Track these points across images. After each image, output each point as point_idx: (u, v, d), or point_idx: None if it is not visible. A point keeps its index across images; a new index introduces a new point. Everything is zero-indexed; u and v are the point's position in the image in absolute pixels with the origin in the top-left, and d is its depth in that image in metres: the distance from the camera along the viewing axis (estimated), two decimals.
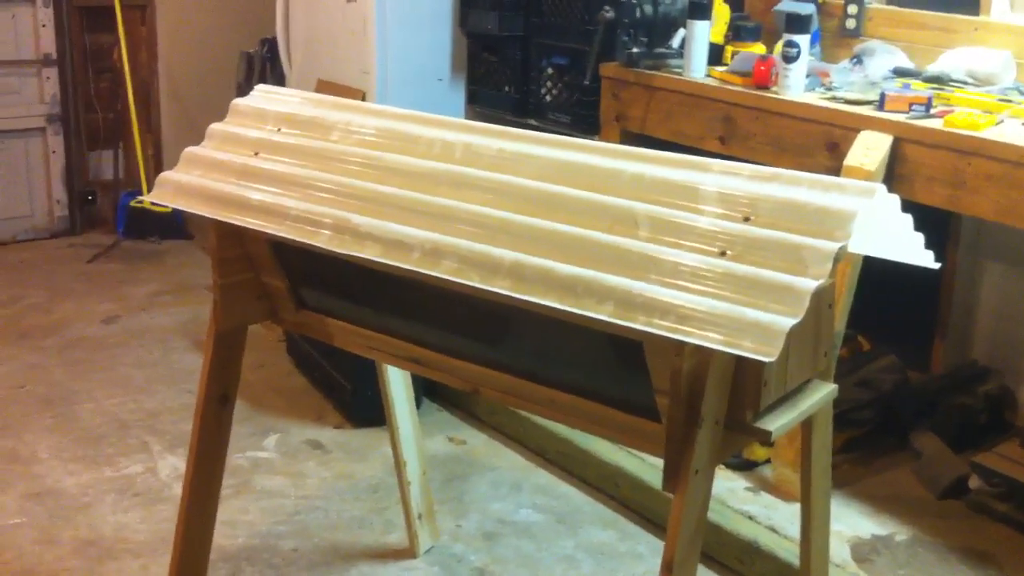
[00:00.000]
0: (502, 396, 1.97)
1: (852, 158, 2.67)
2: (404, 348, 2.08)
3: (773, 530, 2.76)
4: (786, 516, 2.84)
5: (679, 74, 3.21)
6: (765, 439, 1.67)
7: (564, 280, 1.63)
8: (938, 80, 2.92)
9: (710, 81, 3.14)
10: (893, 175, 2.65)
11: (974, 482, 2.86)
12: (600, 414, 1.82)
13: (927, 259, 1.76)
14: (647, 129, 3.32)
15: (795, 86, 2.92)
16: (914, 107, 2.69)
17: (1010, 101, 2.73)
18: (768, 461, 2.97)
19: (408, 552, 2.80)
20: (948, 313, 3.31)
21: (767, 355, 1.45)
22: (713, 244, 1.61)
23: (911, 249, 1.75)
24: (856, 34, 3.32)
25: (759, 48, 3.25)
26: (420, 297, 2.00)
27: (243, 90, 4.90)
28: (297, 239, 1.91)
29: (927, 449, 3.00)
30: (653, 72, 3.26)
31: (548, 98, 3.81)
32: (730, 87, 3.06)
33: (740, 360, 1.59)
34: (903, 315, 3.36)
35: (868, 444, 3.13)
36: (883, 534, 2.79)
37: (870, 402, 3.14)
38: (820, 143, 2.83)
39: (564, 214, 1.74)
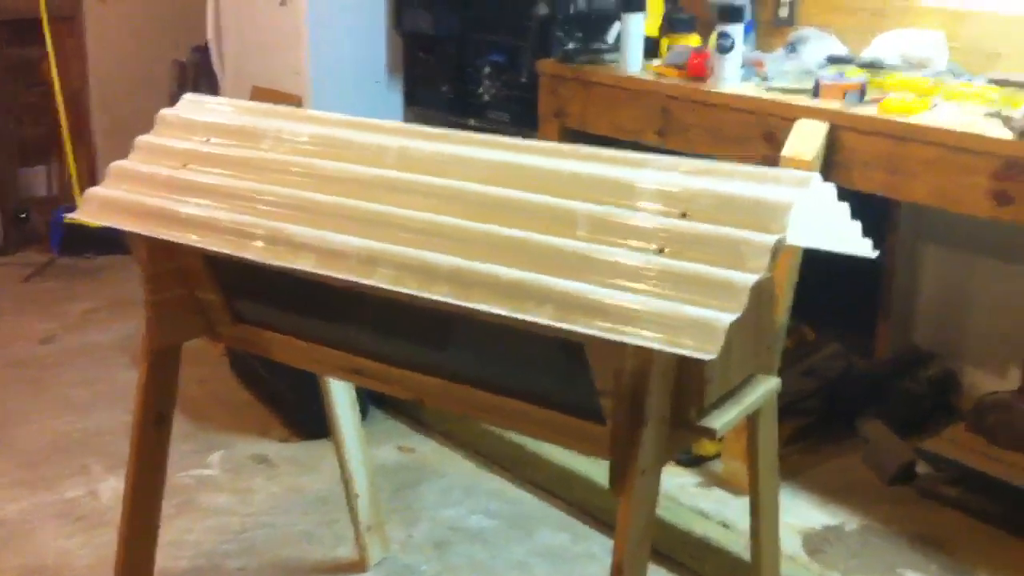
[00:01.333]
0: (447, 404, 1.94)
1: (789, 148, 2.67)
2: (345, 359, 2.04)
3: (725, 525, 2.75)
4: (737, 510, 2.82)
5: (615, 68, 3.19)
6: (710, 436, 1.65)
7: (503, 284, 1.60)
8: (872, 65, 2.93)
9: (646, 75, 3.12)
10: (831, 163, 2.65)
11: (922, 467, 2.87)
12: (545, 418, 1.79)
13: (865, 248, 1.75)
14: (586, 125, 3.30)
15: (730, 77, 2.92)
16: (848, 94, 2.69)
17: (944, 84, 2.74)
18: (718, 456, 2.97)
19: (359, 565, 2.76)
20: (890, 299, 3.33)
21: (708, 353, 1.43)
22: (652, 242, 1.59)
23: (849, 238, 1.74)
24: (790, 22, 3.33)
25: (694, 40, 3.24)
26: (359, 306, 1.96)
27: (176, 99, 4.82)
28: (229, 252, 1.86)
29: (874, 436, 3.01)
30: (589, 67, 3.24)
31: (486, 97, 3.78)
32: (666, 80, 3.05)
33: (683, 358, 1.57)
34: (846, 302, 3.37)
35: (816, 433, 3.14)
36: (834, 524, 2.79)
37: (816, 391, 3.15)
38: (757, 133, 2.82)
39: (502, 216, 1.71)
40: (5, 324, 4.35)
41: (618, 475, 1.62)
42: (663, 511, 2.79)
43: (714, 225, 1.57)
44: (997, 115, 2.48)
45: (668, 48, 3.20)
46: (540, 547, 2.85)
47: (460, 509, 3.02)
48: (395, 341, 1.98)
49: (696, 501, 2.87)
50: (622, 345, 1.53)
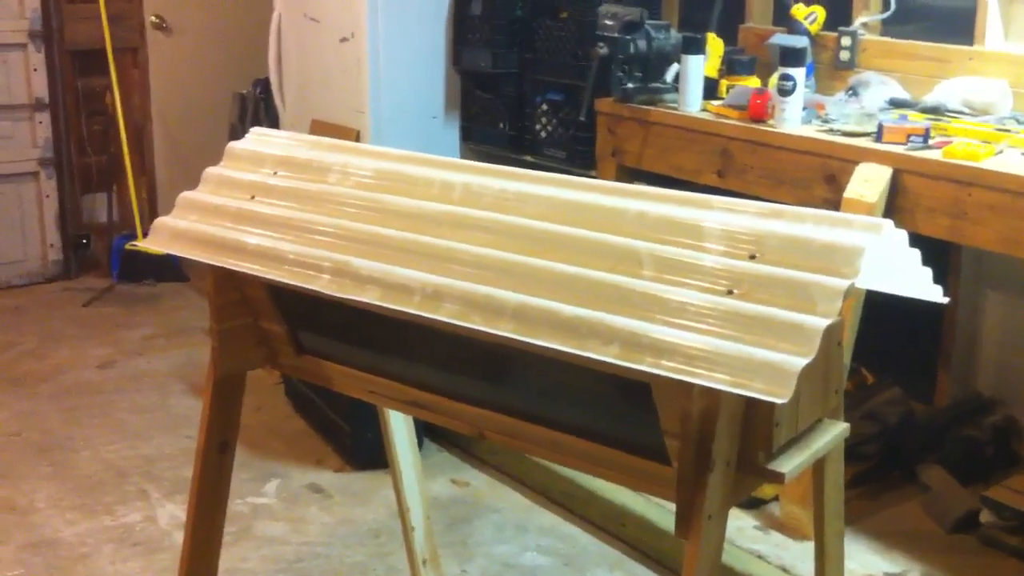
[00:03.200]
0: (507, 440, 1.93)
1: (851, 190, 2.66)
2: (405, 392, 2.05)
3: (784, 570, 2.73)
4: (796, 554, 2.80)
5: (675, 108, 3.20)
6: (779, 481, 1.63)
7: (569, 322, 1.60)
8: (934, 111, 2.92)
9: (706, 115, 3.13)
10: (893, 207, 2.64)
11: (985, 516, 2.82)
12: (607, 457, 1.78)
13: (936, 294, 1.73)
14: (644, 164, 3.31)
15: (792, 119, 2.91)
16: (912, 138, 2.68)
17: (1008, 131, 2.72)
18: (776, 499, 2.94)
19: None
20: (951, 344, 3.29)
21: (779, 396, 1.42)
22: (719, 283, 1.59)
23: (919, 284, 1.72)
24: (850, 66, 3.32)
25: (754, 81, 3.24)
26: (421, 339, 1.96)
27: (236, 131, 4.89)
28: (296, 284, 1.88)
29: (935, 483, 2.97)
30: (648, 107, 3.25)
31: (543, 134, 3.80)
32: (726, 121, 3.05)
33: (751, 401, 1.56)
34: (906, 347, 3.34)
35: (875, 478, 3.10)
36: (895, 571, 2.76)
37: (876, 435, 3.11)
38: (818, 176, 2.81)
39: (567, 254, 1.71)
40: (65, 348, 4.42)
41: (684, 519, 1.60)
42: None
43: (784, 268, 1.56)
44: None
45: (728, 89, 3.20)
46: None
47: (513, 546, 3.01)
48: (456, 375, 1.98)
49: (754, 544, 2.84)
50: (689, 386, 1.52)
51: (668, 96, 3.30)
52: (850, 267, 1.53)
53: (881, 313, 3.34)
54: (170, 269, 5.15)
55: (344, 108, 3.99)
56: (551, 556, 2.96)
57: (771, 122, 2.96)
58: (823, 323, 1.47)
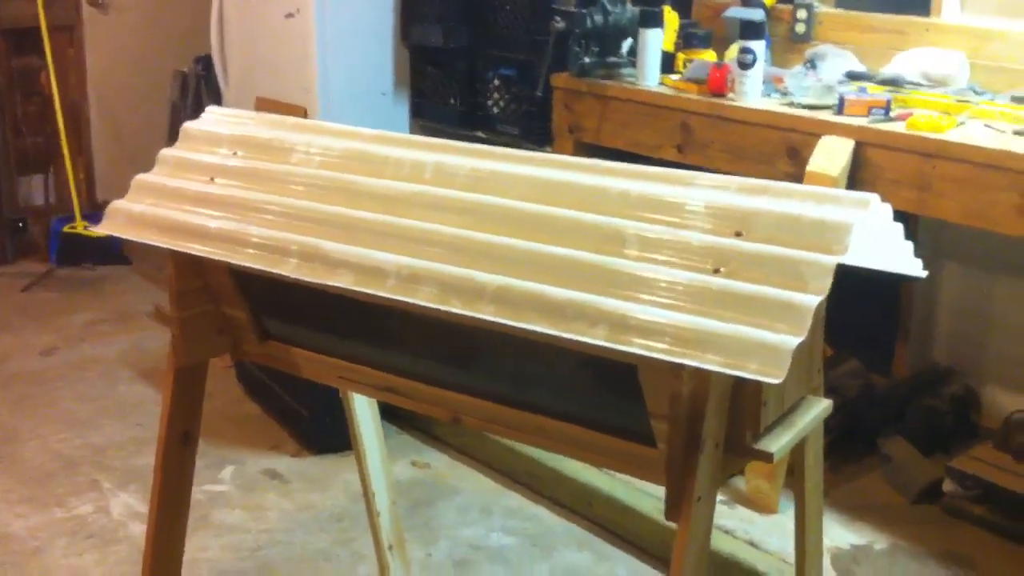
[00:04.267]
0: (484, 424, 1.89)
1: (814, 164, 2.65)
2: (378, 377, 1.99)
3: (752, 544, 2.72)
4: (763, 529, 2.80)
5: (633, 83, 3.17)
6: (767, 460, 1.62)
7: (553, 304, 1.56)
8: (892, 83, 2.91)
9: (664, 89, 3.10)
10: (856, 180, 2.63)
11: (947, 486, 2.84)
12: (590, 440, 1.75)
13: (916, 268, 1.73)
14: (602, 140, 3.28)
15: (752, 92, 2.89)
16: (874, 111, 2.67)
17: (968, 102, 2.72)
18: (742, 473, 2.93)
19: None
20: (909, 316, 3.31)
21: (773, 376, 1.40)
22: (706, 261, 1.56)
23: (900, 258, 1.71)
24: (806, 39, 3.31)
25: (710, 55, 3.22)
26: (394, 323, 1.92)
27: (178, 110, 4.77)
28: (263, 268, 1.82)
29: (897, 454, 2.98)
30: (606, 82, 3.21)
31: (496, 110, 3.75)
32: (685, 95, 3.02)
33: (739, 381, 1.53)
34: (864, 319, 3.34)
35: (836, 452, 3.10)
36: (861, 543, 2.77)
37: (836, 408, 3.10)
38: (780, 149, 2.80)
39: (548, 235, 1.67)
40: (5, 336, 4.29)
41: (673, 502, 1.58)
42: None
43: (772, 245, 1.54)
44: None
45: (685, 63, 3.17)
46: (562, 566, 2.81)
47: (479, 527, 2.98)
48: (431, 359, 1.94)
49: (721, 519, 2.83)
50: (678, 368, 1.49)
51: (625, 71, 3.26)
52: (839, 243, 1.51)
53: (839, 286, 3.36)
54: (111, 252, 5.02)
55: (290, 86, 3.91)
56: (517, 536, 2.94)
57: (731, 96, 2.93)
58: (814, 301, 1.45)
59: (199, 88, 4.76)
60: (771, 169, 2.82)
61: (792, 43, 3.35)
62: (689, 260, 1.57)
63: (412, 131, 4.02)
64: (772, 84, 2.98)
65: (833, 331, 3.36)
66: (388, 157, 1.93)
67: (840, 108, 2.73)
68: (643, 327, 1.50)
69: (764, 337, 1.43)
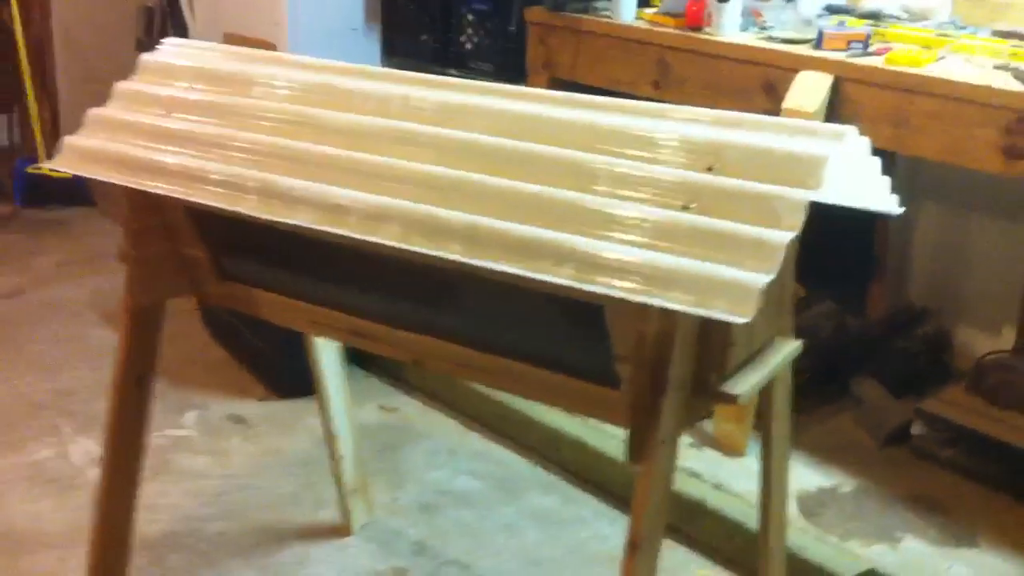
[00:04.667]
0: (450, 368, 1.85)
1: (791, 100, 2.59)
2: (341, 320, 1.94)
3: (719, 487, 2.70)
4: (731, 471, 2.78)
5: (608, 17, 3.09)
6: (732, 403, 1.57)
7: (519, 242, 1.51)
8: (873, 16, 2.85)
9: (640, 24, 3.02)
10: (834, 116, 2.58)
11: (916, 428, 2.82)
12: (557, 383, 1.71)
13: (892, 205, 1.68)
14: (577, 75, 3.20)
15: (730, 26, 2.83)
16: (852, 45, 2.61)
17: (948, 35, 2.66)
18: (710, 416, 2.90)
19: (343, 529, 2.67)
20: (884, 256, 3.27)
21: (742, 315, 1.35)
22: (676, 197, 1.50)
23: (877, 194, 1.66)
24: None
25: None
26: (357, 264, 1.85)
27: (144, 46, 4.64)
28: (220, 206, 1.76)
29: (868, 396, 2.96)
30: (581, 16, 3.13)
31: (469, 46, 3.66)
32: (662, 29, 2.95)
33: (706, 321, 1.48)
34: (838, 259, 3.30)
35: (808, 393, 3.05)
36: (829, 486, 2.75)
37: (809, 350, 3.07)
38: (757, 85, 2.74)
39: (515, 170, 1.61)
40: None
41: (637, 445, 1.54)
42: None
43: (743, 180, 1.49)
44: (1006, 68, 2.41)
45: None
46: (529, 510, 2.78)
47: (446, 471, 2.95)
48: (396, 301, 1.88)
49: (688, 461, 2.81)
50: (644, 308, 1.44)
51: (601, 4, 3.18)
52: (813, 178, 1.46)
53: (813, 224, 3.31)
54: (77, 194, 4.90)
55: (259, 20, 3.80)
56: (484, 480, 2.90)
57: (708, 30, 2.86)
58: (787, 237, 1.40)
59: (165, 24, 4.64)
60: (749, 105, 2.75)
61: None
62: (659, 196, 1.51)
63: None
64: (751, 18, 2.91)
65: (807, 271, 3.34)
66: (354, 90, 1.86)
67: (819, 42, 2.66)
68: (610, 266, 1.45)
69: (733, 275, 1.39)
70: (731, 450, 2.85)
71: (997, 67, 2.43)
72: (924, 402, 2.84)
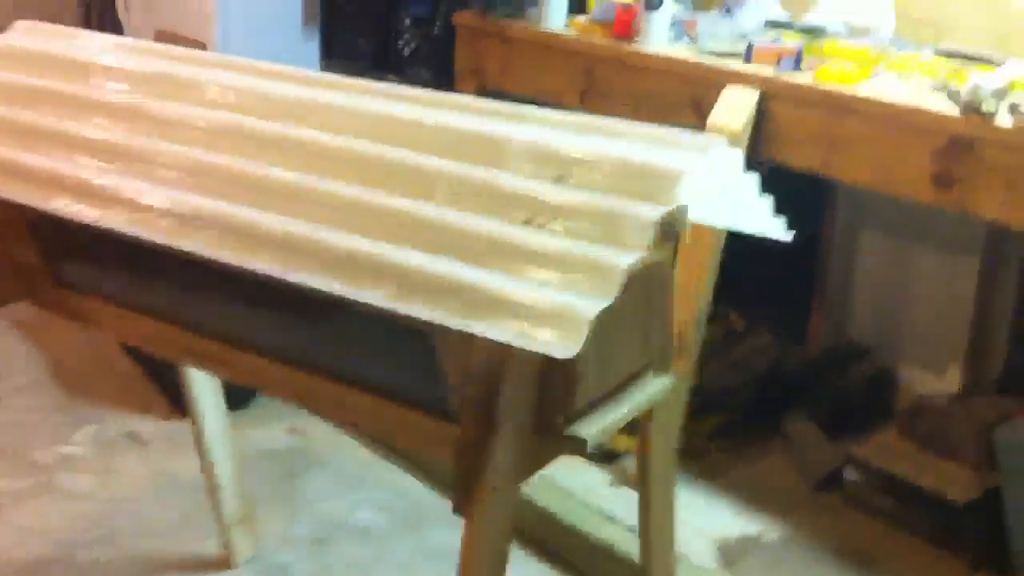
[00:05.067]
0: (288, 395, 1.65)
1: (716, 116, 2.40)
2: (178, 336, 1.75)
3: (634, 531, 2.49)
4: None
5: (537, 24, 2.91)
6: (580, 449, 1.38)
7: (337, 255, 1.33)
8: (812, 32, 2.66)
9: (570, 32, 2.84)
10: (762, 136, 2.39)
11: (849, 473, 2.62)
12: (396, 416, 1.51)
13: (778, 229, 1.49)
14: (505, 84, 3.02)
15: (657, 37, 2.64)
16: (783, 60, 2.42)
17: (887, 54, 2.48)
18: (627, 452, 2.71)
19: (226, 562, 2.48)
20: (824, 287, 3.07)
21: (567, 348, 1.16)
22: (517, 210, 1.32)
23: (757, 217, 1.48)
24: None
25: None
26: (192, 273, 1.66)
27: None
28: (34, 204, 1.57)
29: (800, 437, 2.77)
30: (509, 21, 2.95)
31: (407, 51, 3.50)
32: (589, 39, 2.76)
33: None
34: (781, 289, 3.12)
35: (739, 431, 2.89)
36: (753, 532, 2.55)
37: (742, 386, 2.90)
38: (684, 100, 2.55)
39: (347, 171, 1.43)
40: None
41: (462, 490, 1.34)
42: (565, 512, 2.55)
43: (592, 192, 1.30)
44: (944, 89, 2.22)
45: (597, 3, 2.91)
46: (430, 548, 2.58)
47: (347, 501, 2.74)
48: (235, 318, 1.69)
49: (605, 502, 2.61)
50: (468, 335, 1.25)
51: (532, 10, 3.00)
52: (666, 194, 1.27)
53: (755, 252, 3.12)
54: None
55: (189, 18, 3.63)
56: (387, 512, 2.70)
57: (636, 41, 2.68)
58: (627, 260, 1.21)
59: (103, 19, 4.47)
60: (676, 121, 2.57)
61: None
62: (499, 208, 1.33)
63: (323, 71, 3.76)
64: (683, 29, 2.73)
65: (747, 302, 3.17)
66: (196, 80, 1.68)
67: (748, 57, 2.48)
68: (433, 286, 1.26)
69: (564, 301, 1.20)
70: None
71: (934, 88, 2.24)
72: (854, 447, 2.63)
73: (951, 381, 2.87)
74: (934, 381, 2.90)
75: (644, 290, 1.44)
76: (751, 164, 2.46)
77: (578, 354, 1.31)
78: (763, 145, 2.38)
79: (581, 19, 2.87)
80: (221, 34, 3.54)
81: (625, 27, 2.71)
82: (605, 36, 2.74)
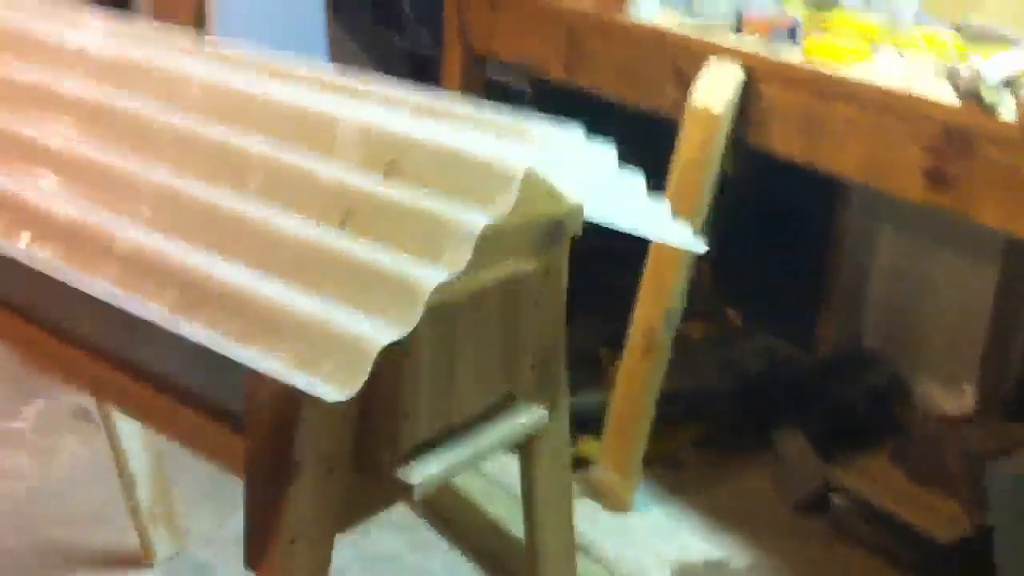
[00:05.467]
0: (81, 382, 1.40)
1: (696, 96, 2.14)
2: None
3: (585, 549, 2.27)
4: (606, 529, 2.35)
5: None
6: (407, 496, 1.15)
7: (119, 253, 1.11)
8: (823, 2, 2.37)
9: None
10: (747, 118, 2.12)
11: (837, 497, 2.35)
12: (191, 423, 1.27)
13: (679, 236, 1.24)
14: (493, 49, 2.78)
15: (646, 2, 2.38)
16: (775, 32, 2.15)
17: (897, 28, 2.18)
18: (589, 462, 2.47)
19: (146, 558, 2.30)
20: (834, 286, 2.78)
21: (341, 391, 0.93)
22: (334, 208, 1.09)
23: (655, 221, 1.23)
24: None
25: None
26: None
27: None
28: None
29: (788, 451, 2.49)
30: None
31: (407, 10, 3.30)
32: (573, 3, 2.51)
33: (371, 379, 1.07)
34: (784, 285, 2.84)
35: (723, 441, 2.62)
36: (718, 557, 2.30)
37: (732, 389, 2.63)
38: (668, 73, 2.29)
39: (153, 150, 1.21)
40: None
41: (253, 541, 1.13)
42: (513, 522, 2.32)
43: (422, 190, 1.06)
44: (955, 72, 1.93)
45: None
46: (369, 553, 2.37)
47: None
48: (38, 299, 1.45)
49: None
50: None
51: None
52: (503, 196, 1.03)
53: (760, 244, 2.85)
54: None
55: None
56: None
57: (626, 7, 2.42)
58: (436, 279, 0.98)
59: None
60: (661, 97, 2.32)
61: None
62: (315, 203, 1.10)
63: (330, 30, 3.55)
64: None
65: (748, 297, 2.90)
66: (47, 38, 1.47)
67: (738, 26, 2.21)
68: (218, 298, 1.04)
69: (355, 330, 0.97)
70: (614, 504, 2.41)
71: (941, 72, 1.95)
72: (837, 469, 2.35)
73: (969, 398, 2.57)
74: (950, 397, 2.61)
75: (505, 308, 1.20)
76: (737, 150, 2.23)
77: (400, 387, 1.09)
78: (748, 129, 2.12)
79: None
80: None
81: None
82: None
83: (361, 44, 3.52)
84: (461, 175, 1.06)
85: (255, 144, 1.17)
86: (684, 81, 2.22)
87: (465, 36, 2.83)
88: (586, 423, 2.43)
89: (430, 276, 0.98)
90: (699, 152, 2.12)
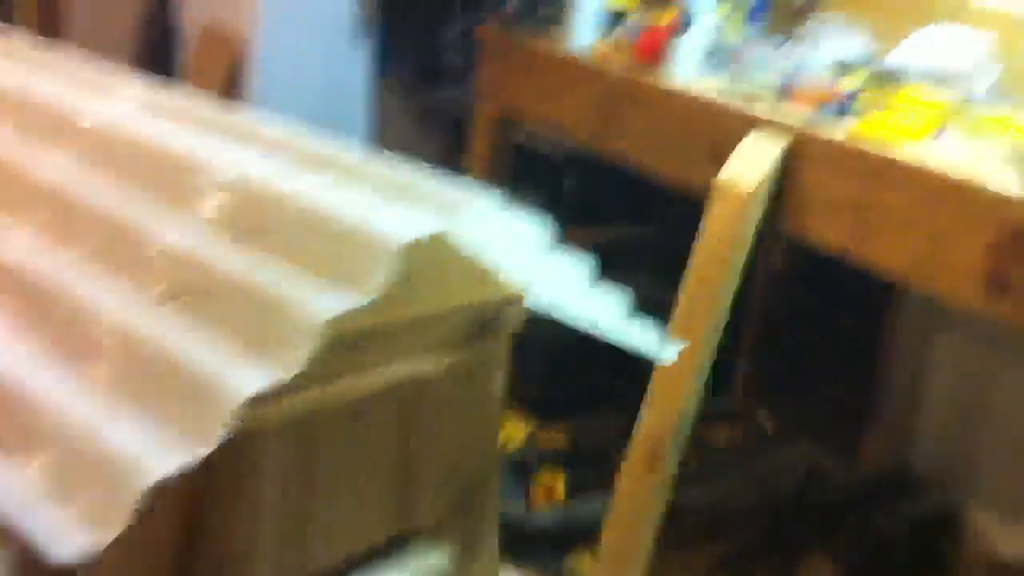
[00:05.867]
0: None
1: (728, 172, 1.86)
2: None
3: None
4: None
5: (559, 41, 2.41)
6: None
7: None
8: (886, 74, 2.08)
9: (590, 54, 2.33)
10: (782, 201, 1.84)
11: None
12: None
13: (635, 336, 0.97)
14: (525, 109, 2.54)
15: (684, 66, 2.11)
16: (825, 106, 1.87)
17: (970, 107, 1.89)
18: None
19: None
20: (882, 398, 2.45)
21: (92, 537, 0.67)
22: (161, 280, 0.83)
23: (606, 315, 0.96)
24: (810, 7, 2.49)
25: (669, 15, 2.43)
26: None
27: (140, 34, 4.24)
28: None
29: None
30: (535, 39, 2.46)
31: (454, 65, 3.10)
32: (610, 63, 2.25)
33: (193, 514, 0.81)
34: (830, 391, 2.53)
35: (747, 564, 2.30)
36: None
37: (758, 508, 2.32)
38: (702, 146, 2.02)
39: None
40: None
41: None
42: None
43: (278, 265, 0.81)
44: (1019, 161, 1.63)
45: (628, 19, 2.40)
46: None
47: None
48: None
49: None
50: None
51: (559, 26, 2.51)
52: (367, 280, 0.77)
53: (803, 342, 2.56)
54: None
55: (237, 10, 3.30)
56: None
57: (662, 70, 2.16)
58: (249, 388, 0.72)
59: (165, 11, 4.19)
60: (695, 171, 2.04)
61: (794, 13, 2.53)
62: (142, 273, 0.85)
63: (375, 87, 3.38)
64: (728, 58, 2.19)
65: (785, 399, 2.60)
66: None
67: (784, 96, 1.93)
68: None
69: (129, 450, 0.71)
70: None
71: (1009, 159, 1.65)
72: None
73: None
74: (1009, 536, 2.26)
75: (402, 421, 0.93)
76: (769, 237, 1.95)
77: (232, 521, 0.83)
78: (783, 211, 1.84)
79: (611, 39, 2.36)
80: (268, 30, 3.21)
81: (649, 52, 2.18)
82: (631, 61, 2.23)
83: (408, 106, 3.36)
84: (331, 246, 0.80)
85: (99, 199, 0.93)
86: (719, 155, 1.94)
87: (496, 97, 2.60)
88: (583, 534, 2.14)
89: (245, 383, 0.72)
90: (725, 235, 1.84)
